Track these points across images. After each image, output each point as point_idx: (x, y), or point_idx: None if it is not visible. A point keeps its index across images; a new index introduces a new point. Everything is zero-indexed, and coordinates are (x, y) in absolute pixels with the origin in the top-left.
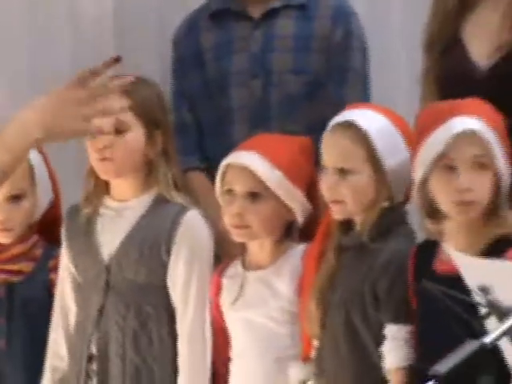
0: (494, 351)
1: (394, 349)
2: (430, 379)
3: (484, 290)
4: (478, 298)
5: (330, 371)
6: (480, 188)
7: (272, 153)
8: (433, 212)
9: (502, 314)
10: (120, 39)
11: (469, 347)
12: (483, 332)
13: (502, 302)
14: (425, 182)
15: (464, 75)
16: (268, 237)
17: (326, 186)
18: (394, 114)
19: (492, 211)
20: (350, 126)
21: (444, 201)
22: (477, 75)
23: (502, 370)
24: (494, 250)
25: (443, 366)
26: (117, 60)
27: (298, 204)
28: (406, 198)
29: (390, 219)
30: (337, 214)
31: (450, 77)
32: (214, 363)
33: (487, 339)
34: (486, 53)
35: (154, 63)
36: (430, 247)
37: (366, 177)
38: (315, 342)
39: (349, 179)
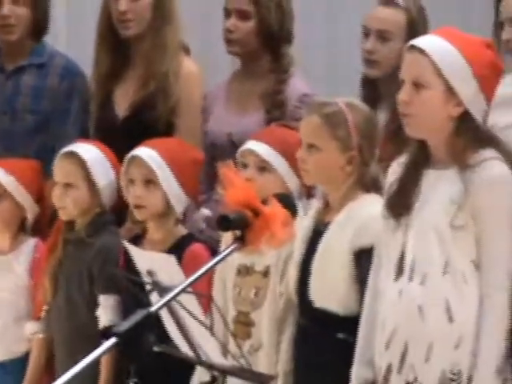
0: (156, 317)
1: (104, 313)
2: (112, 335)
3: (150, 273)
4: (146, 279)
5: (55, 328)
6: (152, 200)
7: (12, 166)
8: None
9: (162, 291)
10: None
11: (140, 314)
12: (149, 303)
13: (162, 282)
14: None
15: (111, 124)
16: (6, 229)
17: (54, 196)
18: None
19: (167, 217)
20: (72, 154)
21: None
22: (117, 124)
23: (162, 330)
24: (179, 245)
25: (122, 326)
26: None
27: (28, 205)
28: (116, 207)
29: (102, 221)
30: (62, 216)
31: (103, 125)
32: None
33: (152, 309)
34: (123, 109)
35: None
36: (138, 240)
37: (83, 190)
38: (45, 307)
39: (69, 193)
